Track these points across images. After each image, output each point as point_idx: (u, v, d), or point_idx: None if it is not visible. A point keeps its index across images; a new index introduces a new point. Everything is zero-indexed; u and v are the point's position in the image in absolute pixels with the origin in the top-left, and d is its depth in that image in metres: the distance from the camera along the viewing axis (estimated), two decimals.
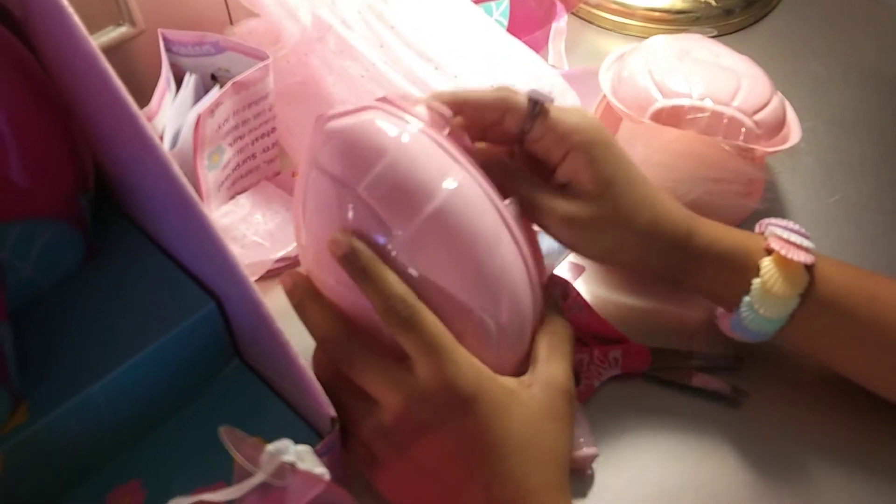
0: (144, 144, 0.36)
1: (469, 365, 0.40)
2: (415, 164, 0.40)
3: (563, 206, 0.46)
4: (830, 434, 0.52)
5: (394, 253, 0.40)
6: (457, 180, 0.41)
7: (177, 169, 0.36)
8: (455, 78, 0.57)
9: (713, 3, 0.86)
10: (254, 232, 0.59)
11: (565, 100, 0.62)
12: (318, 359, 0.45)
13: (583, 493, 0.49)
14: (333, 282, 0.42)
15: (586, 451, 0.48)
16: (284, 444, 0.29)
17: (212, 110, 0.53)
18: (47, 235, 0.44)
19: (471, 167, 0.42)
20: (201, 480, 0.43)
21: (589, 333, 0.55)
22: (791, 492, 0.49)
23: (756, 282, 0.47)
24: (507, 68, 0.59)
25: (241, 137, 0.59)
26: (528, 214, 0.47)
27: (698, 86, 0.56)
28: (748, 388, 0.53)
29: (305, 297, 0.44)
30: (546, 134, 0.46)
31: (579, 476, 0.49)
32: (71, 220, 0.46)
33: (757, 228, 0.51)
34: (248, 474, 0.28)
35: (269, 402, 0.47)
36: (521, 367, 0.45)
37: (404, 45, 0.57)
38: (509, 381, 0.42)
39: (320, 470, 0.31)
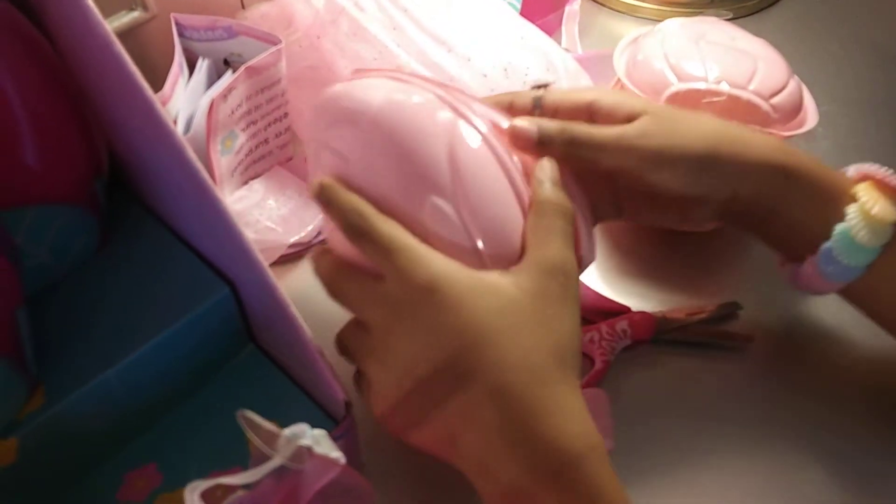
0: (159, 129, 0.36)
1: (429, 257, 0.38)
2: (358, 88, 0.41)
3: (610, 129, 0.45)
4: (847, 415, 0.52)
5: (353, 177, 0.40)
6: (400, 92, 0.41)
7: (191, 154, 0.36)
8: (468, 61, 0.57)
9: None
10: (267, 217, 0.59)
11: (579, 83, 0.62)
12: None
13: None
14: (333, 232, 0.42)
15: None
16: (301, 428, 0.30)
17: (225, 95, 0.53)
18: (61, 220, 0.44)
19: (440, 90, 0.42)
20: (217, 465, 0.43)
21: (592, 311, 0.56)
22: (807, 475, 0.49)
23: (853, 207, 0.45)
24: (519, 51, 0.58)
25: (253, 122, 0.59)
26: (580, 150, 0.44)
27: (714, 69, 0.56)
28: (763, 371, 0.54)
29: (318, 257, 0.43)
30: (560, 106, 0.47)
31: None
32: (85, 204, 0.46)
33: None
34: (265, 458, 0.29)
35: (284, 386, 0.47)
36: None
37: (417, 28, 0.57)
38: (484, 273, 0.39)
39: (336, 454, 0.31)
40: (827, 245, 0.46)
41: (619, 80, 0.62)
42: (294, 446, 0.28)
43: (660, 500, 0.48)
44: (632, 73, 0.60)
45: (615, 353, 0.54)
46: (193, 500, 0.27)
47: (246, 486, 0.33)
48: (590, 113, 0.47)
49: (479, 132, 0.41)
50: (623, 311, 0.55)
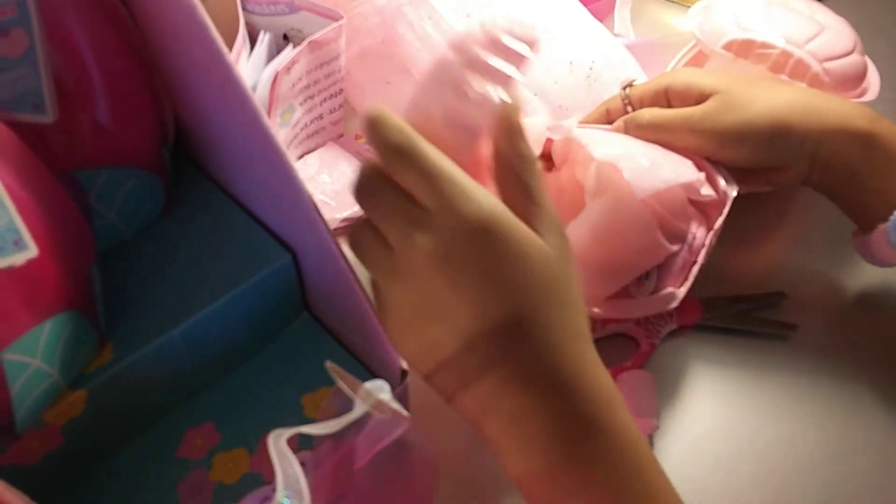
0: (238, 95, 0.37)
1: (483, 195, 0.35)
2: None
3: (679, 112, 0.48)
4: (893, 405, 0.52)
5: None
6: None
7: (267, 120, 0.37)
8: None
9: None
10: (321, 191, 0.60)
11: (627, 70, 0.62)
12: None
13: None
14: None
15: (646, 420, 0.49)
16: (379, 383, 0.30)
17: (288, 68, 0.54)
18: (132, 183, 0.45)
19: None
20: (272, 426, 0.44)
21: None
22: (849, 465, 0.49)
23: None
24: (584, 44, 0.59)
25: (311, 97, 0.60)
26: (668, 129, 0.48)
27: (776, 25, 0.57)
28: (806, 359, 0.54)
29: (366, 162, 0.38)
30: (643, 97, 0.50)
31: None
32: (154, 169, 0.47)
33: None
34: (345, 408, 0.29)
35: (337, 354, 0.48)
36: None
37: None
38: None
39: (404, 413, 0.32)
40: None
41: (692, 46, 0.62)
42: (374, 398, 0.29)
43: (701, 482, 0.48)
44: (703, 23, 0.61)
45: (661, 336, 0.54)
46: (280, 446, 0.28)
47: (307, 446, 0.33)
48: (667, 98, 0.49)
49: None
50: None
